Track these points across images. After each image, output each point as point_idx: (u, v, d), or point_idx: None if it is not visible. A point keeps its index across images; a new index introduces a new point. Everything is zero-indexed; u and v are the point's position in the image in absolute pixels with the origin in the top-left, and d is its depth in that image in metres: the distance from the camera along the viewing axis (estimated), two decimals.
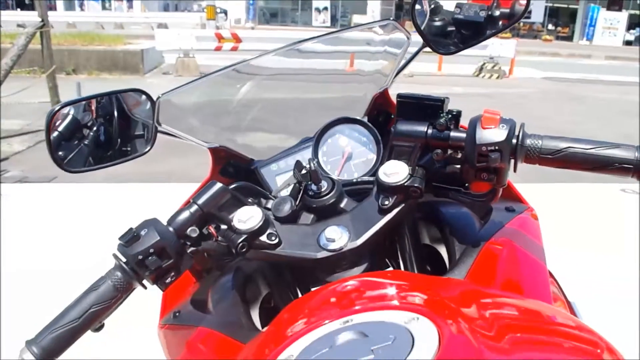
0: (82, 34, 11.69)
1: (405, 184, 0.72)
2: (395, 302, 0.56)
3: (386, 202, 0.73)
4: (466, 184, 0.79)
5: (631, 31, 34.16)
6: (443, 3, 0.95)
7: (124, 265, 0.68)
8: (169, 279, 0.70)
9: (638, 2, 33.97)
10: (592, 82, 14.24)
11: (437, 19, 0.93)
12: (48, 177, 4.57)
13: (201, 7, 38.43)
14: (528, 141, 0.71)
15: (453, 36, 0.93)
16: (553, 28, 36.51)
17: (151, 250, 0.67)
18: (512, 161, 0.71)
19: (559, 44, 30.36)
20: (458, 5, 0.92)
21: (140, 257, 0.67)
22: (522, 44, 24.59)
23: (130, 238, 0.68)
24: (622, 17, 33.69)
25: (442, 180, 0.79)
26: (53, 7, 27.81)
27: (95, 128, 0.91)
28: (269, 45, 11.82)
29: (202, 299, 0.85)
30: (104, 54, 10.42)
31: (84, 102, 0.90)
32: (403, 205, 0.73)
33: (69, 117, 0.87)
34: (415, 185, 0.72)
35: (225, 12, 31.97)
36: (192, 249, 0.72)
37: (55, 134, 0.84)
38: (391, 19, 0.98)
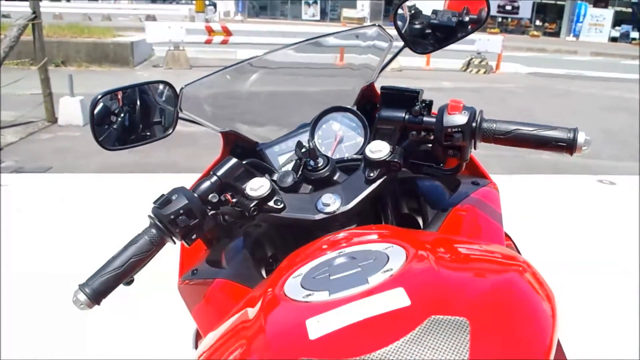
0: (72, 26, 11.68)
1: (387, 159, 0.87)
2: (376, 238, 0.72)
3: (371, 174, 0.88)
4: (440, 163, 0.95)
5: (617, 28, 34.53)
6: (421, 8, 1.10)
7: (158, 223, 0.83)
8: (194, 235, 0.85)
9: None
10: (576, 77, 14.46)
11: (416, 23, 1.09)
12: (43, 167, 4.69)
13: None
14: (485, 124, 0.87)
15: (429, 38, 1.09)
16: (540, 24, 36.80)
17: (181, 212, 0.82)
18: (473, 140, 0.87)
19: (546, 40, 30.61)
20: (434, 12, 1.08)
21: (172, 216, 0.82)
22: (510, 40, 24.77)
23: (163, 201, 0.83)
24: (608, 14, 34.05)
25: (417, 159, 0.95)
26: None
27: (122, 114, 1.05)
28: (259, 39, 11.72)
29: (216, 259, 1.00)
30: (93, 46, 10.45)
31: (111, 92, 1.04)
32: (385, 177, 0.89)
33: (100, 105, 1.02)
34: (395, 160, 0.87)
35: (214, 5, 31.90)
36: (212, 212, 0.87)
37: (93, 118, 0.99)
38: (377, 24, 1.13)
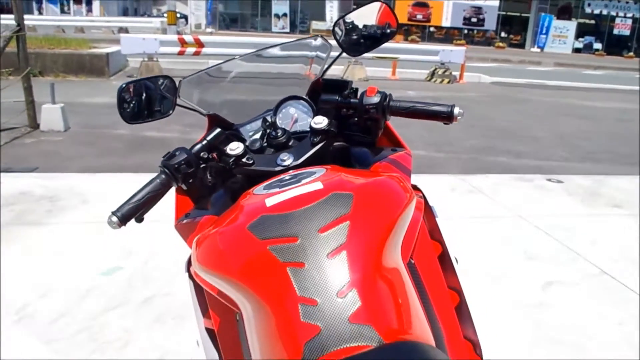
0: (49, 38, 11.93)
1: (326, 129, 1.25)
2: (311, 166, 1.11)
3: (315, 139, 1.26)
4: (366, 133, 1.34)
5: (580, 39, 35.71)
6: (357, 23, 1.49)
7: (166, 170, 1.20)
8: (191, 180, 1.22)
9: (587, 11, 35.60)
10: (538, 86, 15.07)
11: (352, 34, 1.48)
12: (30, 167, 4.98)
13: (160, 12, 38.51)
14: (392, 103, 1.26)
15: (360, 45, 1.48)
16: (506, 36, 37.80)
17: (182, 163, 1.19)
18: (384, 114, 1.27)
19: (511, 51, 31.45)
20: (364, 26, 1.47)
21: (176, 166, 1.19)
22: (476, 51, 25.47)
23: (169, 156, 1.20)
24: (571, 25, 35.19)
25: (349, 130, 1.34)
26: (10, 10, 27.46)
27: (133, 100, 1.41)
28: (230, 50, 12.10)
29: (204, 206, 1.36)
30: (70, 57, 10.71)
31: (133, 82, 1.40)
32: (325, 141, 1.27)
33: (121, 92, 1.37)
34: (332, 129, 1.26)
35: (186, 18, 32.20)
36: (203, 165, 1.24)
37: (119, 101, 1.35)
38: (319, 35, 1.53)
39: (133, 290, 2.82)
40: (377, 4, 1.47)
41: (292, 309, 0.74)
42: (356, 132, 1.34)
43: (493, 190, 4.92)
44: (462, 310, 1.18)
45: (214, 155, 1.26)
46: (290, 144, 1.32)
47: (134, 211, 1.18)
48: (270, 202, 0.92)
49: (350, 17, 1.49)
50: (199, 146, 1.24)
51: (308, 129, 1.38)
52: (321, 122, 1.26)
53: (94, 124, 6.98)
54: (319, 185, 0.93)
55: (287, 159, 1.24)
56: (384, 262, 0.83)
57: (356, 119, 1.31)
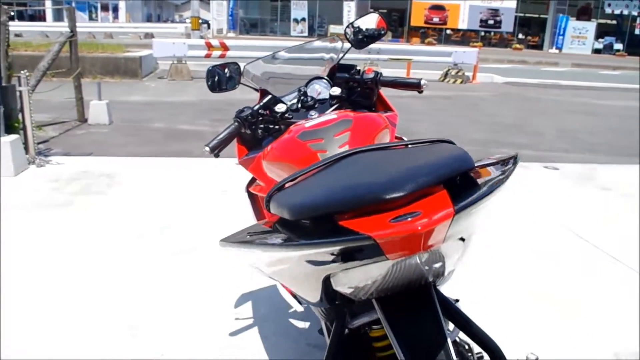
0: (88, 43, 12.83)
1: (339, 95, 1.93)
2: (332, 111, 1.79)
3: (332, 102, 1.94)
4: (366, 99, 2.01)
5: (600, 40, 35.40)
6: (362, 27, 2.16)
7: (238, 120, 1.86)
8: (253, 127, 1.89)
9: (607, 11, 35.34)
10: (550, 86, 15.10)
11: (358, 35, 2.13)
12: (86, 152, 5.76)
13: (182, 18, 39.51)
14: (381, 78, 1.94)
15: (364, 42, 2.14)
16: (523, 37, 37.64)
17: (249, 115, 1.86)
18: (377, 84, 1.94)
19: (528, 53, 30.96)
20: (366, 29, 2.14)
21: (245, 116, 1.86)
22: (493, 53, 25.44)
23: (240, 110, 1.87)
24: (590, 26, 34.81)
25: (354, 97, 2.01)
26: (42, 18, 28.66)
27: (211, 79, 2.07)
28: (253, 53, 12.88)
29: (258, 149, 2.04)
30: (107, 60, 11.59)
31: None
32: (339, 103, 1.94)
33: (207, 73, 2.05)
34: (343, 95, 1.93)
35: (208, 23, 33.12)
36: (261, 118, 1.91)
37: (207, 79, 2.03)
38: (335, 36, 2.21)
39: (186, 240, 3.52)
40: (375, 15, 2.15)
41: None
42: (359, 98, 2.02)
43: None
44: None
45: (267, 112, 1.93)
46: (316, 106, 1.99)
47: (217, 145, 1.83)
48: (308, 124, 1.62)
49: (356, 23, 2.17)
50: (257, 106, 1.92)
51: (328, 97, 2.06)
52: (336, 91, 1.95)
53: (133, 119, 7.75)
54: (334, 116, 1.63)
55: (314, 115, 1.91)
56: None
57: (359, 89, 1.99)
